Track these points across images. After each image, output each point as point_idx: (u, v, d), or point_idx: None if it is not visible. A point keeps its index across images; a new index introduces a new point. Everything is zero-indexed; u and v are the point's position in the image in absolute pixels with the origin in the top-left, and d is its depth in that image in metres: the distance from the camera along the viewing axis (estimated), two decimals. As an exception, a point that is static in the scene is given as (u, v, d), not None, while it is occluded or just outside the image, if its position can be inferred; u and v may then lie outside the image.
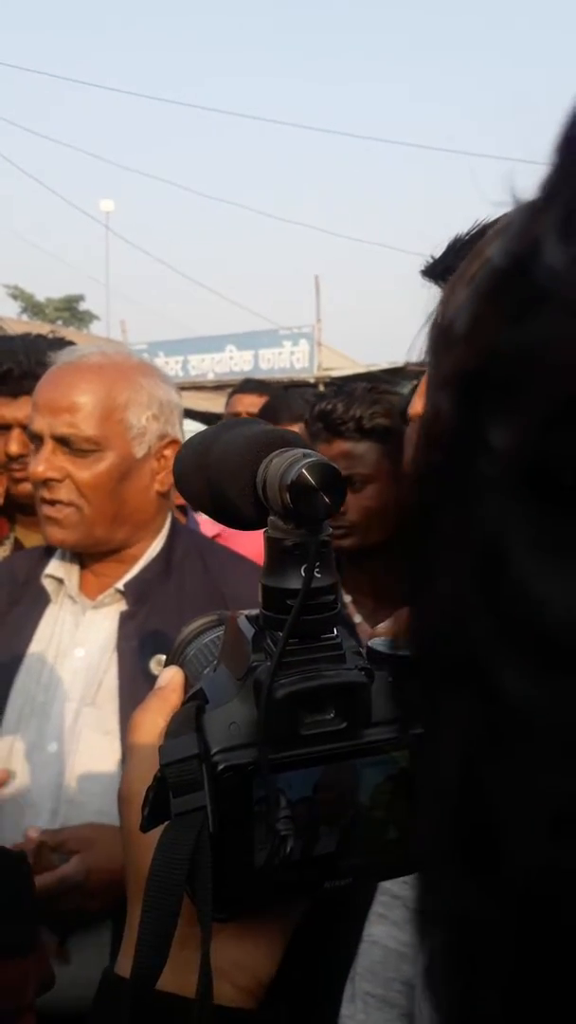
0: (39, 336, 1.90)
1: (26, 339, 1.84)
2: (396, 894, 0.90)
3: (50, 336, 1.91)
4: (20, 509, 1.78)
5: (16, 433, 1.70)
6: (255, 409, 2.62)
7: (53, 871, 1.00)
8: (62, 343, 1.85)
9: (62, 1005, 0.77)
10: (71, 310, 33.05)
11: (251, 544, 1.73)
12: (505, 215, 0.20)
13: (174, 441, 1.24)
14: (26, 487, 1.34)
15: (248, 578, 1.23)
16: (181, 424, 1.28)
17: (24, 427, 1.64)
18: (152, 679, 1.10)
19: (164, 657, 1.12)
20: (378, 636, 0.42)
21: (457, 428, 0.16)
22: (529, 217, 0.16)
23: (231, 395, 2.93)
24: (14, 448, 1.70)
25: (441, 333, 0.18)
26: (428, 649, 0.17)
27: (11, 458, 1.71)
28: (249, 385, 2.91)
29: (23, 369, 1.68)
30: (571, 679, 0.13)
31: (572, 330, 0.13)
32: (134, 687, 1.11)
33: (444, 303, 0.19)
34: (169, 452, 1.23)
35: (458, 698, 0.15)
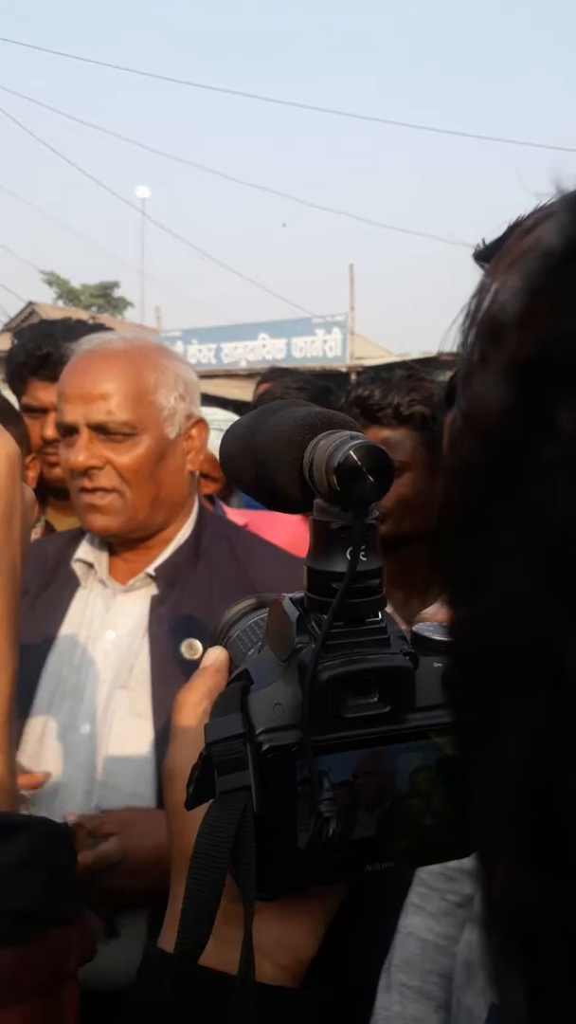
0: (79, 321, 1.92)
1: (66, 324, 1.85)
2: (433, 886, 0.90)
3: (90, 322, 1.93)
4: (53, 493, 1.80)
5: (52, 417, 1.73)
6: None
7: (92, 850, 1.01)
8: (102, 329, 1.87)
9: (105, 983, 0.79)
10: (106, 296, 33.27)
11: (279, 534, 1.73)
12: (545, 204, 0.19)
13: (199, 420, 1.25)
14: (59, 471, 1.35)
15: (274, 563, 1.24)
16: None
17: None
18: (183, 662, 1.12)
19: (195, 641, 1.13)
20: (424, 621, 0.42)
21: (515, 416, 0.15)
22: None
23: (258, 383, 2.92)
24: (50, 432, 1.72)
25: (488, 321, 0.17)
26: (488, 644, 0.16)
27: (46, 442, 1.73)
28: (276, 373, 2.91)
29: (61, 354, 1.69)
30: None
31: None
32: (165, 670, 1.12)
33: (482, 292, 0.19)
34: (195, 431, 1.24)
35: (525, 695, 0.15)
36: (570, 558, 0.14)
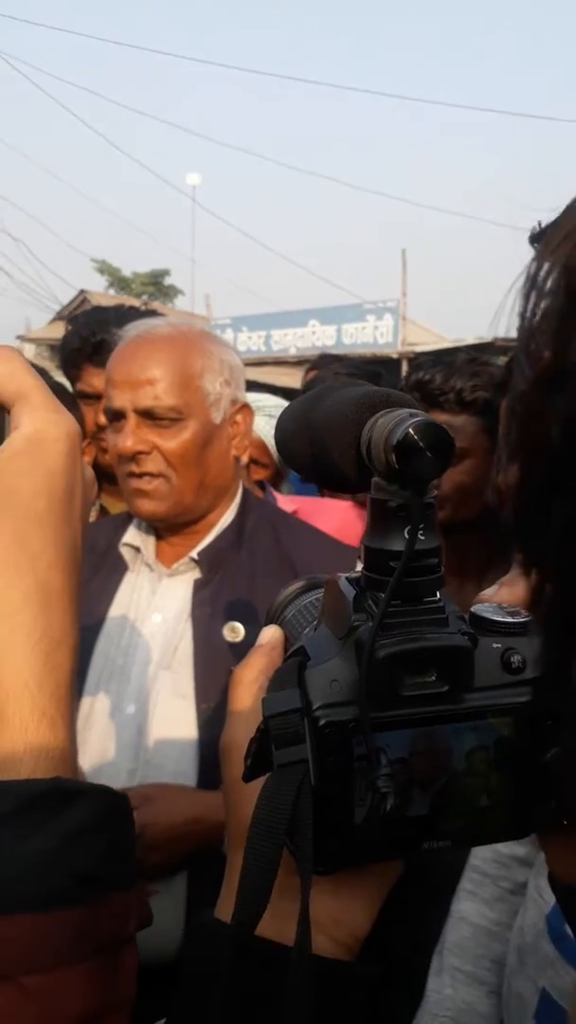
0: (131, 308, 1.94)
1: (119, 311, 1.88)
2: (486, 872, 0.90)
3: (142, 308, 1.95)
4: (107, 479, 1.83)
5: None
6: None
7: None
8: (155, 315, 1.89)
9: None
10: (156, 284, 33.53)
11: (329, 521, 1.73)
12: None
13: (244, 406, 1.26)
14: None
15: (318, 547, 1.25)
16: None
17: None
18: (226, 645, 1.13)
19: (237, 624, 1.14)
20: (483, 602, 0.41)
21: None
22: None
23: (307, 370, 2.92)
24: (104, 418, 1.75)
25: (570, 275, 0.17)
26: None
27: (100, 428, 1.76)
28: (325, 360, 2.89)
29: (115, 340, 1.72)
30: None
31: None
32: (208, 652, 1.13)
33: (541, 261, 0.18)
34: (240, 417, 1.25)
35: None
36: None
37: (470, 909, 0.88)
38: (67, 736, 0.41)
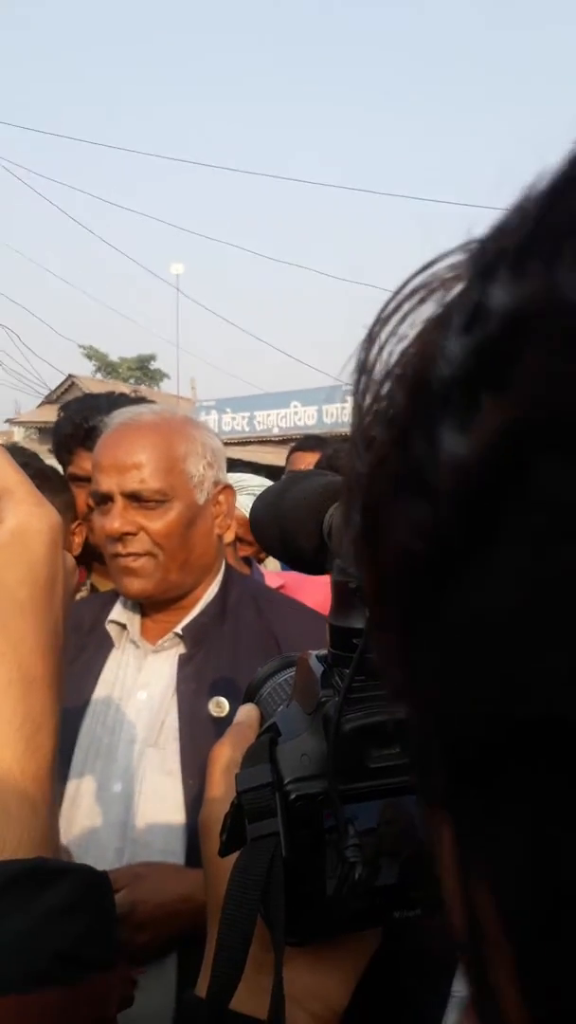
0: (121, 395, 2.01)
1: (110, 397, 1.94)
2: None
3: (132, 395, 2.01)
4: (97, 558, 1.86)
5: None
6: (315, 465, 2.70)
7: None
8: (144, 402, 1.97)
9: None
10: (143, 369, 34.20)
11: (314, 595, 1.75)
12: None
13: (227, 487, 1.31)
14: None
15: (300, 621, 1.28)
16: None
17: None
18: (211, 720, 1.14)
19: (222, 699, 1.15)
20: None
21: (491, 484, 0.15)
22: (535, 258, 0.15)
23: (290, 453, 3.03)
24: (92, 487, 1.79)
25: (420, 380, 0.16)
26: (475, 717, 0.15)
27: (92, 509, 1.80)
28: (308, 443, 3.01)
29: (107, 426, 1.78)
30: None
31: None
32: (193, 727, 1.14)
33: (373, 348, 0.18)
34: (223, 497, 1.30)
35: (529, 771, 0.14)
36: (570, 620, 0.13)
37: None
38: (48, 817, 0.42)
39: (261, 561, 2.26)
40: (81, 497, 1.82)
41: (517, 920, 0.15)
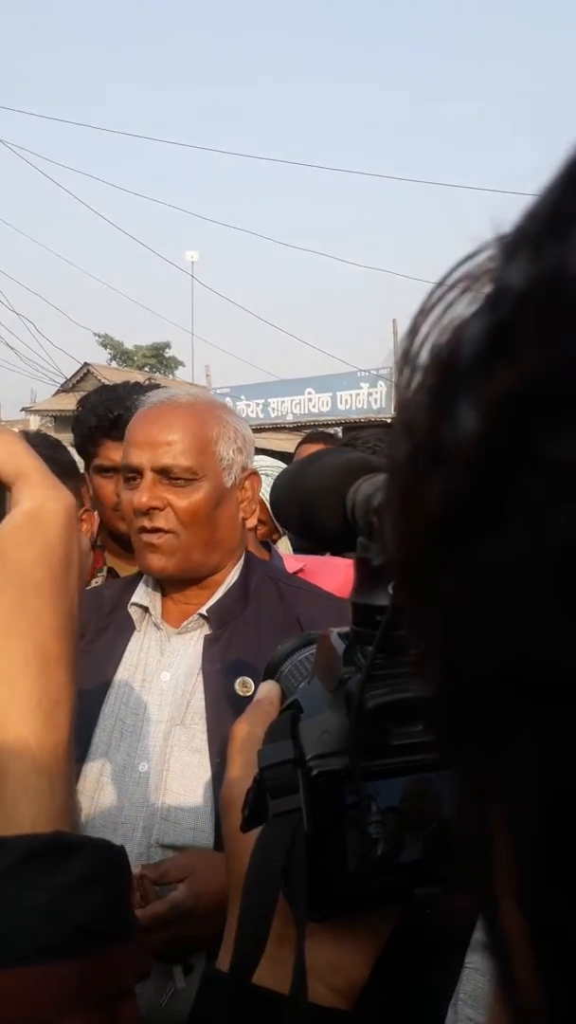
0: (136, 384, 2.02)
1: (127, 386, 1.96)
2: None
3: (146, 383, 2.04)
4: (123, 545, 1.87)
5: None
6: None
7: (164, 899, 1.02)
8: (158, 388, 1.98)
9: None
10: (158, 357, 34.25)
11: (333, 578, 1.75)
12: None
13: (254, 473, 1.33)
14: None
15: (321, 604, 1.29)
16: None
17: None
18: (237, 699, 1.14)
19: (248, 679, 1.17)
20: None
21: (496, 451, 0.16)
22: (552, 235, 0.16)
23: (298, 446, 3.13)
24: (123, 461, 1.81)
25: (445, 361, 0.18)
26: (490, 679, 0.16)
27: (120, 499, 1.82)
28: (316, 436, 3.17)
29: (130, 415, 1.79)
30: None
31: None
32: (220, 707, 1.15)
33: (415, 333, 0.19)
34: (249, 483, 1.31)
35: (542, 718, 0.15)
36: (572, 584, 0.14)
37: (484, 960, 0.87)
38: (66, 792, 0.43)
39: (274, 542, 2.27)
40: (109, 488, 1.84)
41: (527, 862, 0.16)
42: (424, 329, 0.19)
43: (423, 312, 0.19)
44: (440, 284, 0.19)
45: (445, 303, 0.19)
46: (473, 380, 0.16)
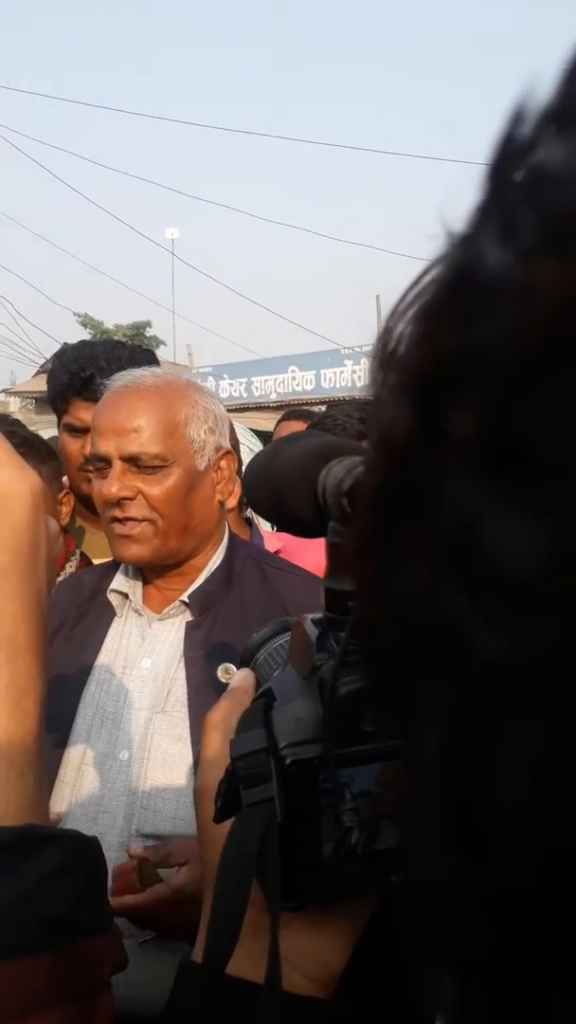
0: (119, 343, 1.97)
1: (107, 344, 1.89)
2: None
3: (129, 344, 1.99)
4: (93, 510, 1.85)
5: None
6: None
7: (167, 882, 1.02)
8: (141, 351, 1.92)
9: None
10: (138, 336, 33.86)
11: (312, 557, 1.75)
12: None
13: (228, 452, 1.29)
14: None
15: (305, 586, 1.27)
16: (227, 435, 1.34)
17: None
18: (219, 686, 1.13)
19: (231, 665, 1.15)
20: None
21: (414, 430, 0.17)
22: (472, 227, 0.18)
23: (277, 424, 3.12)
24: (90, 450, 1.78)
25: (388, 352, 0.19)
26: (400, 639, 0.17)
27: (87, 459, 1.80)
28: (293, 414, 3.15)
29: (104, 376, 1.74)
30: (541, 622, 0.14)
31: (515, 323, 0.15)
32: (202, 694, 1.14)
33: (385, 334, 0.20)
34: (224, 463, 1.28)
35: (435, 679, 0.16)
36: (469, 541, 0.15)
37: None
38: (36, 784, 0.42)
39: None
40: (75, 447, 1.81)
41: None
42: (396, 330, 0.19)
43: (393, 315, 0.20)
44: (411, 288, 0.20)
45: (410, 305, 0.20)
46: (399, 365, 0.18)
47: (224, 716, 0.48)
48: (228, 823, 0.41)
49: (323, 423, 2.21)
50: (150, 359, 1.87)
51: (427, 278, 0.18)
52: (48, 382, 1.91)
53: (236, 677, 0.52)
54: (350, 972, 0.45)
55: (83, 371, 1.77)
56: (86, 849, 0.41)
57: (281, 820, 0.39)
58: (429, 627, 0.16)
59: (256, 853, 0.39)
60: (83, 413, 1.79)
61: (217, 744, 0.47)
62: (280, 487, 0.45)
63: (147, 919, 1.02)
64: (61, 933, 0.38)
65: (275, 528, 2.38)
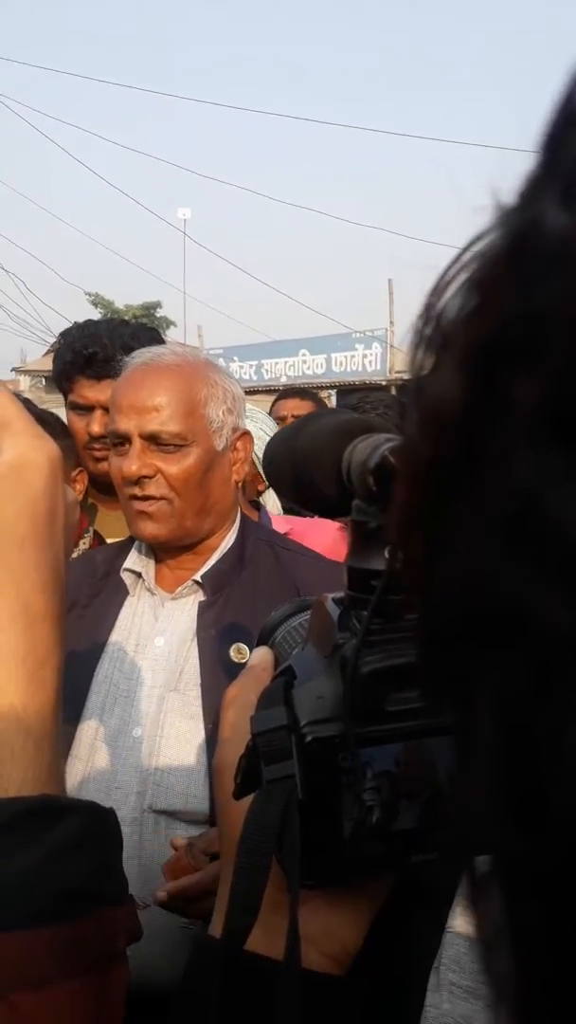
0: (122, 321, 1.97)
1: (111, 323, 1.91)
2: None
3: (133, 323, 1.99)
4: (101, 489, 1.85)
5: (99, 414, 1.78)
6: (300, 412, 2.76)
7: (206, 871, 1.02)
8: (145, 329, 1.92)
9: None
10: (149, 316, 33.75)
11: (321, 541, 1.75)
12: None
13: (245, 433, 1.29)
14: (106, 466, 1.41)
15: (318, 568, 1.27)
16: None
17: (106, 408, 1.70)
18: (232, 666, 1.14)
19: (244, 645, 1.16)
20: None
21: (471, 399, 0.17)
22: (528, 194, 0.17)
23: (274, 402, 3.13)
24: (96, 428, 1.78)
25: (439, 325, 0.19)
26: (458, 614, 0.17)
27: (93, 438, 1.80)
28: (291, 392, 3.19)
29: (107, 353, 1.75)
30: None
31: None
32: (215, 673, 1.15)
33: (431, 305, 0.19)
34: (241, 443, 1.28)
35: (497, 652, 0.16)
36: (534, 514, 0.15)
37: (466, 924, 0.89)
38: (53, 754, 0.42)
39: (260, 493, 2.27)
40: (81, 425, 1.81)
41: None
42: (440, 305, 0.19)
43: (436, 290, 0.19)
44: (453, 263, 0.19)
45: (453, 280, 0.19)
46: (450, 338, 0.18)
47: (243, 694, 0.48)
48: (247, 800, 0.41)
49: (360, 408, 2.21)
50: (154, 337, 1.87)
51: (471, 252, 0.18)
52: (53, 362, 1.92)
53: (254, 655, 0.51)
54: (365, 950, 0.45)
55: (86, 349, 1.78)
56: (103, 820, 0.41)
57: (301, 798, 0.39)
58: (491, 600, 0.16)
59: (276, 830, 0.39)
60: (87, 391, 1.80)
61: (237, 721, 0.47)
62: (303, 464, 0.44)
63: (194, 905, 1.03)
64: (78, 904, 0.38)
65: (282, 511, 2.38)
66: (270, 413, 2.99)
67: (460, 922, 0.89)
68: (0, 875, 0.37)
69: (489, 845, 0.17)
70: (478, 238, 0.18)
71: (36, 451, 0.44)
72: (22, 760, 0.40)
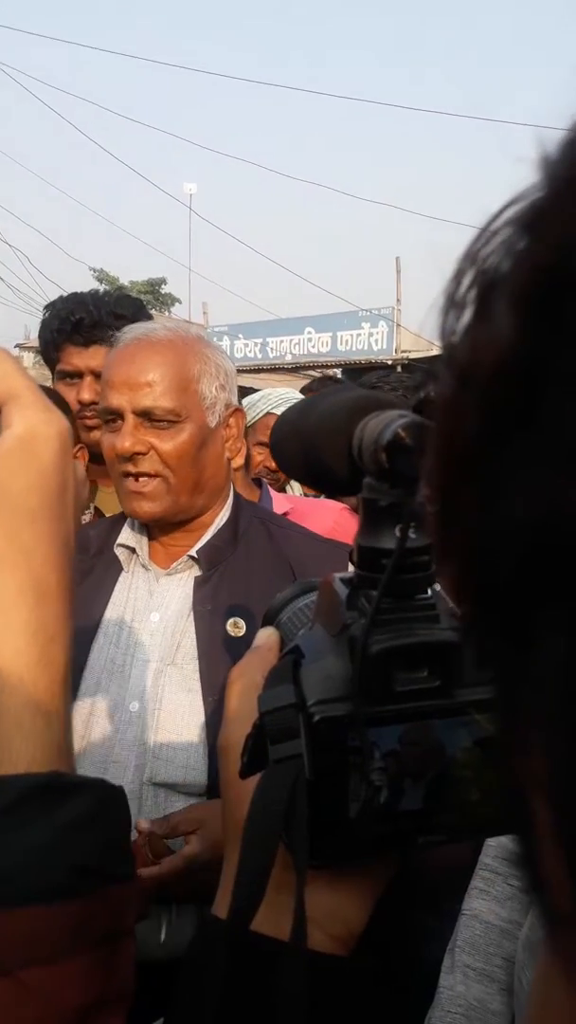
0: (106, 292, 1.98)
1: (95, 293, 1.92)
2: (497, 870, 0.90)
3: (115, 293, 1.99)
4: (92, 458, 1.85)
5: (89, 380, 1.78)
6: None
7: (179, 852, 1.03)
8: (128, 297, 1.94)
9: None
10: (153, 292, 33.54)
11: (322, 522, 1.74)
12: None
13: (237, 409, 1.29)
14: (97, 435, 1.40)
15: (310, 546, 1.28)
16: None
17: (96, 375, 1.70)
18: (229, 640, 1.14)
19: (240, 619, 1.16)
20: None
21: (526, 341, 0.16)
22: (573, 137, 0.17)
23: (306, 388, 3.13)
24: (86, 395, 1.78)
25: (484, 273, 0.18)
26: (518, 565, 0.16)
27: (83, 405, 1.79)
28: (320, 383, 3.23)
29: (94, 319, 1.76)
30: None
31: None
32: (212, 648, 1.15)
33: (472, 255, 0.19)
34: (233, 420, 1.27)
35: (562, 602, 0.15)
36: None
37: (482, 907, 0.89)
38: (63, 730, 0.42)
39: (285, 481, 2.27)
40: (71, 393, 1.81)
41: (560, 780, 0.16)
42: (479, 256, 0.18)
43: (468, 256, 0.19)
44: (486, 228, 0.19)
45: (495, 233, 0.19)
46: (500, 281, 0.17)
47: (249, 673, 0.47)
48: (253, 780, 0.41)
49: (377, 387, 2.20)
50: (138, 306, 1.89)
51: (521, 198, 0.17)
52: (40, 333, 1.92)
53: (260, 635, 0.51)
54: (370, 931, 0.45)
55: (73, 315, 1.78)
56: (112, 798, 0.41)
57: (309, 777, 0.39)
58: (557, 547, 0.15)
59: (283, 809, 0.38)
60: (76, 358, 1.80)
61: (242, 699, 0.47)
62: (312, 442, 0.43)
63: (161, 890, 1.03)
64: (88, 880, 0.38)
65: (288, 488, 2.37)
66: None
67: (475, 905, 0.90)
68: (11, 851, 0.37)
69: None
70: (520, 195, 0.18)
71: (46, 424, 0.43)
72: (32, 736, 0.40)
